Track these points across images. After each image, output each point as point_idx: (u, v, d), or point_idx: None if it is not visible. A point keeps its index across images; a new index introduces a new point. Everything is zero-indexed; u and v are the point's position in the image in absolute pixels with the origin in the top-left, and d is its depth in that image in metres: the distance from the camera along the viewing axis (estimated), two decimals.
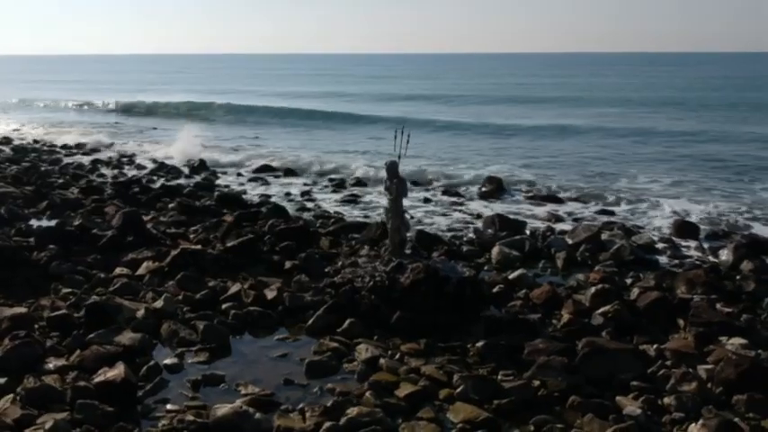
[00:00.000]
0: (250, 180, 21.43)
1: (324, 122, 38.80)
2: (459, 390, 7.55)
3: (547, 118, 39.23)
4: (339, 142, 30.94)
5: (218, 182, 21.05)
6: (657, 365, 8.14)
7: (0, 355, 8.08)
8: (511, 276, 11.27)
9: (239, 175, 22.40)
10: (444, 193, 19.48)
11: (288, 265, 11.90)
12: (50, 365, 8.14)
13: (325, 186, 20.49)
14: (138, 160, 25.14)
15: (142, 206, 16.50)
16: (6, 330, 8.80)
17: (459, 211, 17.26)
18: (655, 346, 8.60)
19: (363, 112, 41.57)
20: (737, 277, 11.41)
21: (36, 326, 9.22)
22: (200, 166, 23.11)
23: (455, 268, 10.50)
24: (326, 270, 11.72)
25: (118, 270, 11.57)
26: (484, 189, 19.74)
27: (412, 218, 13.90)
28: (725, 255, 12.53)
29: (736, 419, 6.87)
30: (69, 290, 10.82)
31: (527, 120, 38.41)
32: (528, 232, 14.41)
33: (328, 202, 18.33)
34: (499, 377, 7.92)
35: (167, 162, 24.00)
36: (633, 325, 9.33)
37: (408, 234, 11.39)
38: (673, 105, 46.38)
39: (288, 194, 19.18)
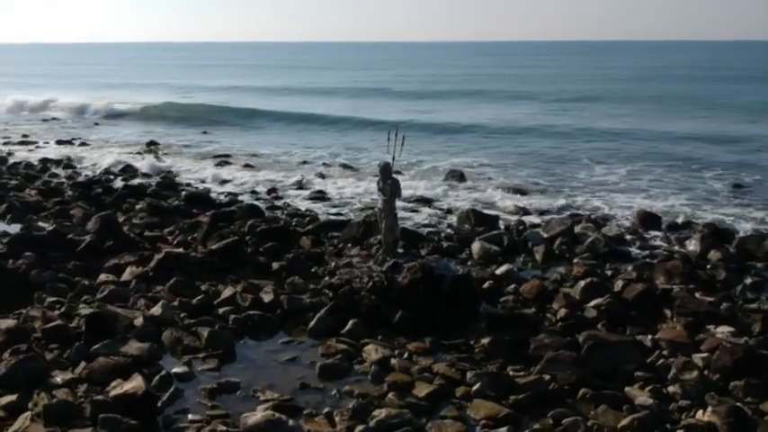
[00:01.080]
0: (214, 177, 21.10)
1: (274, 120, 38.26)
2: (475, 387, 7.78)
3: (491, 112, 39.82)
4: (293, 139, 30.71)
5: (177, 179, 20.64)
6: (656, 355, 8.58)
7: (4, 372, 7.85)
8: (498, 272, 11.57)
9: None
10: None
11: (275, 266, 11.88)
12: (57, 379, 7.95)
13: (290, 184, 20.37)
14: (87, 161, 24.29)
15: (107, 207, 16.05)
16: (3, 344, 8.53)
17: (429, 206, 17.48)
18: (650, 336, 9.04)
19: (322, 111, 41.10)
20: (708, 267, 12.05)
21: (31, 338, 8.96)
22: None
23: (449, 266, 10.73)
24: (314, 270, 11.84)
25: (102, 276, 11.31)
26: (447, 183, 20.05)
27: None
28: (692, 245, 13.19)
29: (738, 404, 7.31)
30: (54, 299, 10.54)
31: (471, 113, 38.94)
32: (502, 226, 14.76)
33: (297, 199, 18.28)
34: (510, 373, 8.19)
35: (122, 160, 23.37)
36: (623, 317, 9.77)
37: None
38: (608, 97, 47.66)
39: (254, 193, 19.02)
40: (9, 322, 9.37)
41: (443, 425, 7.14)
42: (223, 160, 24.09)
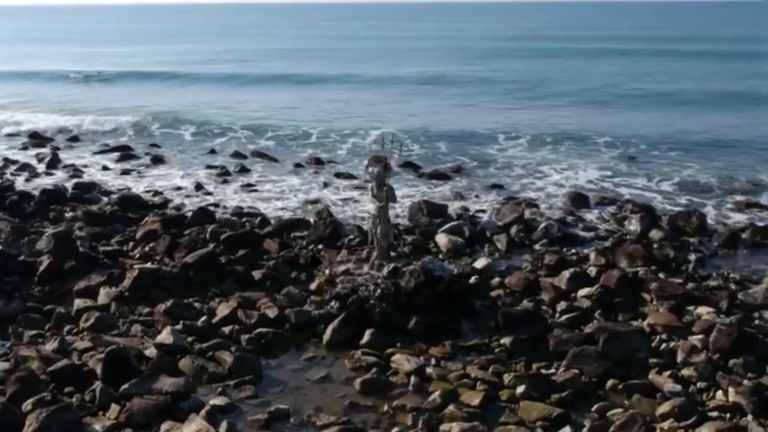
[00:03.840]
0: (123, 173, 19.89)
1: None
2: (520, 390, 8.21)
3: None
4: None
5: (89, 177, 19.25)
6: (657, 341, 9.43)
7: (37, 426, 7.27)
8: (478, 266, 12.03)
9: (105, 168, 20.63)
10: (337, 176, 19.62)
11: (257, 275, 11.62)
12: (96, 427, 7.52)
13: (210, 175, 19.65)
14: None
15: (31, 217, 14.90)
16: (19, 395, 7.86)
17: (363, 194, 17.57)
18: (646, 322, 9.89)
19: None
20: (655, 246, 13.20)
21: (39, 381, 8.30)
22: (53, 159, 20.94)
23: (444, 266, 11.06)
24: (293, 276, 11.74)
25: (78, 302, 10.56)
26: (370, 169, 20.12)
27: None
28: (633, 225, 14.36)
29: (759, 382, 8.23)
30: (34, 332, 9.80)
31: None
32: (455, 216, 15.23)
33: (228, 194, 17.73)
34: (543, 371, 8.71)
35: (11, 157, 21.40)
36: (611, 304, 10.58)
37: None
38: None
39: (179, 188, 18.21)
40: (1, 365, 8.67)
41: (510, 431, 7.52)
42: (125, 153, 22.55)
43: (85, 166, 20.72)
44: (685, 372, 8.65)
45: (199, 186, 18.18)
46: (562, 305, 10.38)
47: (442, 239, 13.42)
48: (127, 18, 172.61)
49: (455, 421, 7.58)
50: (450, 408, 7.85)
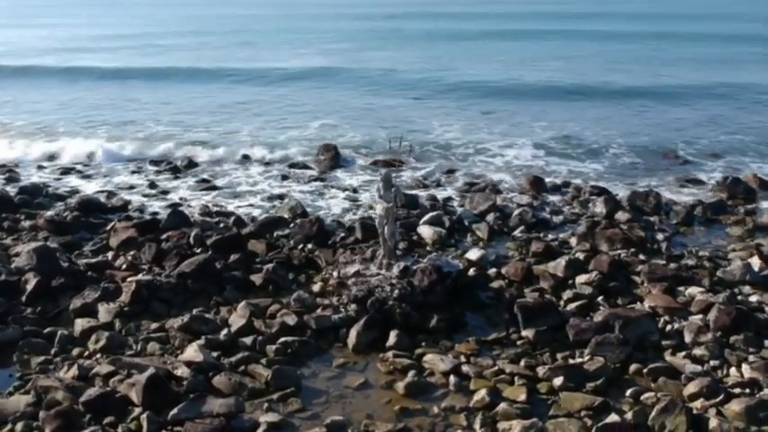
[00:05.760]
0: (63, 173, 18.78)
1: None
2: (558, 382, 8.60)
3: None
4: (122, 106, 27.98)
5: (26, 179, 18.10)
6: (662, 323, 10.09)
7: None
8: (473, 257, 12.34)
9: (41, 167, 19.41)
10: (292, 166, 19.38)
11: (258, 280, 11.44)
12: None
13: (159, 171, 18.92)
14: None
15: None
16: (61, 430, 7.49)
17: (326, 186, 17.52)
18: (647, 305, 10.54)
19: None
20: (624, 228, 13.96)
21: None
22: None
23: (449, 262, 11.30)
24: (291, 277, 11.67)
25: (80, 322, 10.06)
26: (322, 158, 20.04)
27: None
28: (598, 207, 15.09)
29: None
30: (41, 358, 9.30)
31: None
32: (428, 206, 15.44)
33: (186, 192, 17.16)
34: (568, 361, 9.15)
35: None
36: (607, 289, 11.17)
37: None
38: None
39: (132, 187, 17.45)
40: (24, 399, 8.22)
41: (562, 424, 7.90)
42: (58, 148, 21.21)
43: (17, 166, 19.41)
44: (696, 351, 9.33)
45: (153, 185, 17.49)
46: (569, 294, 10.87)
47: (426, 232, 13.62)
48: None
49: (510, 419, 7.87)
50: (503, 405, 8.13)
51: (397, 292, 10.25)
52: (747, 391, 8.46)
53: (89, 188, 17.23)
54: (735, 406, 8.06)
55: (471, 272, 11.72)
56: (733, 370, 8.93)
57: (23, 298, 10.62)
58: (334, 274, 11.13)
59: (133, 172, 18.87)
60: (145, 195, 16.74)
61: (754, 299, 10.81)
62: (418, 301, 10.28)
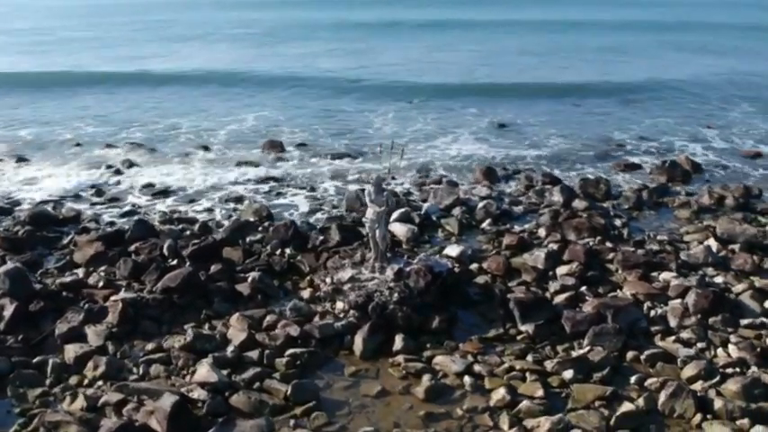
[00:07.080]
0: None
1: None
2: (568, 376, 8.99)
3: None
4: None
5: None
6: (645, 309, 10.68)
7: None
8: (453, 254, 12.55)
9: None
10: (239, 165, 18.95)
11: (245, 290, 11.23)
12: None
13: (100, 174, 18.04)
14: None
15: None
16: None
17: (288, 185, 17.28)
18: (628, 292, 11.10)
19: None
20: (584, 216, 14.56)
21: None
22: None
23: (439, 262, 11.48)
24: (276, 283, 11.55)
25: (70, 348, 9.57)
26: (271, 156, 19.72)
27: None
28: (555, 196, 15.65)
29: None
30: (38, 390, 8.84)
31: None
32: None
33: (135, 197, 16.46)
34: (570, 353, 9.56)
35: None
36: (586, 278, 11.68)
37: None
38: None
39: (77, 196, 16.54)
40: None
41: (583, 416, 8.28)
42: None
43: None
44: (683, 335, 9.96)
45: (100, 192, 16.68)
46: (555, 286, 11.29)
47: (398, 229, 13.71)
48: None
49: (535, 416, 8.18)
50: (525, 403, 8.42)
51: (396, 295, 10.34)
52: (738, 370, 9.14)
53: (27, 197, 16.21)
54: (731, 386, 8.70)
55: (455, 268, 11.97)
56: (720, 351, 9.60)
57: (2, 326, 9.99)
58: (327, 279, 11.08)
59: (68, 177, 17.85)
60: (93, 204, 15.94)
61: (719, 280, 11.59)
62: (416, 302, 10.42)
